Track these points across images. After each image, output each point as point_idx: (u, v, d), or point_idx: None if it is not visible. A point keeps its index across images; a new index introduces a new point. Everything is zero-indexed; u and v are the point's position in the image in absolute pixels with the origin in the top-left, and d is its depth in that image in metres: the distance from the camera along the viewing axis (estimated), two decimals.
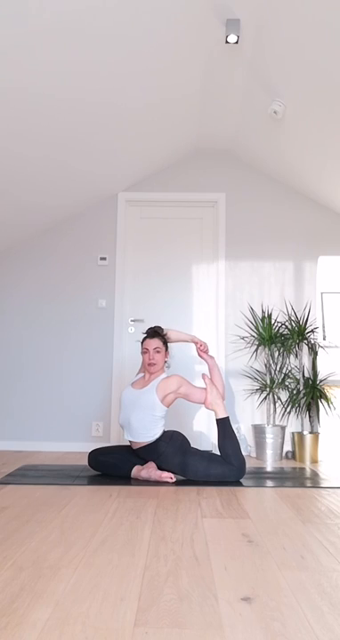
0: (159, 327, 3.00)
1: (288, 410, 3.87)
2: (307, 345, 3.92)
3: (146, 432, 2.73)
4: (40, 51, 2.35)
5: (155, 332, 2.93)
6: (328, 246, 4.12)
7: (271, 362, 3.92)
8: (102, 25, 2.40)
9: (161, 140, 3.80)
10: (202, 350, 2.99)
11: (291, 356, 3.94)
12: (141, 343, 2.95)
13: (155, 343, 2.88)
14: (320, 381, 3.78)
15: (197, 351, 3.02)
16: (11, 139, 2.86)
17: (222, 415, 2.77)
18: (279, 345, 3.89)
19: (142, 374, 2.97)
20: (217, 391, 2.82)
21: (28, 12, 2.10)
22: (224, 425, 2.75)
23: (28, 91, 2.55)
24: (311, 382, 3.75)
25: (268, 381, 3.79)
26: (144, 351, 2.90)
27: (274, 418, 3.82)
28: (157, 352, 2.87)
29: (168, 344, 2.98)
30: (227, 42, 2.75)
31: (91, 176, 3.75)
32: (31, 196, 3.56)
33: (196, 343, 2.99)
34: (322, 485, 2.62)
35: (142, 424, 2.72)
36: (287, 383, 3.85)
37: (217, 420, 2.77)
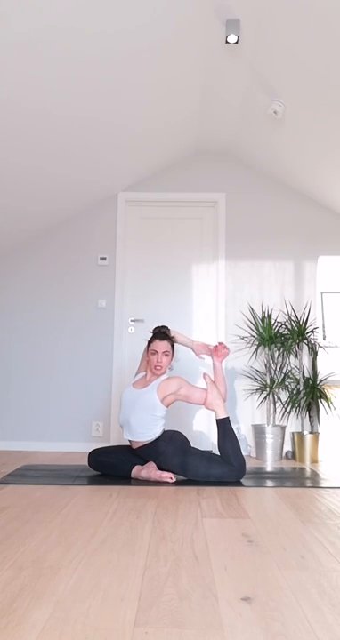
0: (168, 329, 2.99)
1: (288, 410, 3.87)
2: (307, 345, 3.92)
3: (145, 431, 2.73)
4: (37, 56, 2.35)
5: (165, 335, 2.91)
6: (328, 246, 4.12)
7: (271, 362, 3.92)
8: (103, 24, 2.40)
9: (161, 140, 3.80)
10: (198, 353, 3.09)
11: (291, 356, 3.94)
12: (149, 343, 2.92)
13: (164, 346, 2.86)
14: (320, 381, 3.78)
15: (194, 351, 3.09)
16: (10, 142, 2.86)
17: (222, 415, 2.76)
18: (279, 345, 3.89)
19: (143, 373, 2.96)
20: (218, 391, 2.81)
21: (22, 27, 2.11)
22: (224, 425, 2.75)
23: (27, 95, 2.56)
24: (311, 382, 3.75)
25: (268, 381, 3.79)
26: (153, 352, 2.86)
27: (274, 418, 3.82)
28: (166, 355, 2.85)
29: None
30: (227, 42, 2.75)
31: (91, 176, 3.75)
32: (31, 197, 3.56)
33: (193, 349, 3.09)
34: (322, 485, 2.62)
35: (141, 424, 2.72)
36: (287, 383, 3.85)
37: (217, 420, 2.77)
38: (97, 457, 2.84)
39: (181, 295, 4.14)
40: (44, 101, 2.70)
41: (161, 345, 2.86)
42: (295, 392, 3.79)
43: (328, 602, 1.18)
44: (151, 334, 2.98)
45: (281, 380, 3.82)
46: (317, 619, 1.09)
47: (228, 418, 2.77)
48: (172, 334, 2.99)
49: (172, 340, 2.93)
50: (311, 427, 3.81)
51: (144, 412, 2.72)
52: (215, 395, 2.79)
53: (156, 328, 3.01)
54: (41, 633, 1.01)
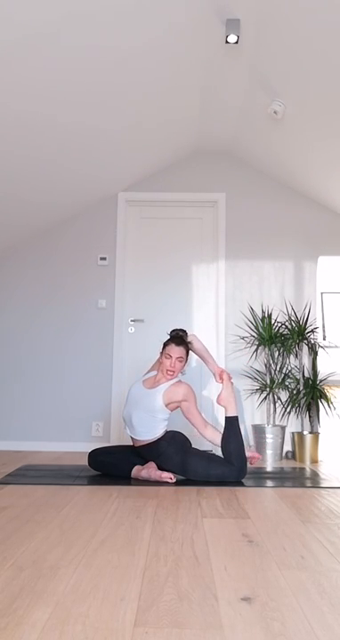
0: (185, 334, 2.94)
1: (288, 410, 3.87)
2: (307, 345, 3.92)
3: (146, 431, 2.72)
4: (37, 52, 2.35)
5: (182, 340, 2.86)
6: (328, 246, 4.12)
7: (271, 362, 3.92)
8: (101, 21, 2.40)
9: (161, 140, 3.80)
10: (221, 378, 2.89)
11: (291, 356, 3.94)
12: (165, 346, 2.86)
13: (180, 352, 2.81)
14: (320, 381, 3.78)
15: (215, 377, 2.91)
16: (10, 142, 2.86)
17: (232, 413, 2.77)
18: (279, 345, 3.89)
19: (155, 372, 2.95)
20: (232, 389, 2.82)
21: (19, 28, 2.11)
22: (232, 423, 2.75)
23: (27, 94, 2.56)
24: (311, 382, 3.75)
25: (268, 381, 3.79)
26: (167, 356, 2.81)
27: (274, 418, 3.82)
28: (179, 361, 2.81)
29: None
30: (227, 42, 2.74)
31: (91, 176, 3.75)
32: (31, 196, 3.56)
33: (214, 373, 2.91)
34: (322, 485, 2.62)
35: (142, 423, 2.72)
36: (287, 383, 3.85)
37: (227, 417, 2.78)
38: (97, 457, 2.84)
39: (181, 295, 4.14)
40: (42, 102, 2.70)
41: (177, 350, 2.81)
42: (295, 392, 3.79)
43: (328, 602, 1.18)
44: (169, 336, 2.92)
45: (281, 380, 3.82)
46: (317, 619, 1.09)
47: (237, 417, 2.78)
48: (190, 339, 2.93)
49: (188, 346, 2.88)
50: (311, 427, 3.81)
51: (147, 412, 2.72)
52: (230, 392, 2.80)
53: (173, 331, 2.96)
54: (41, 633, 1.01)
